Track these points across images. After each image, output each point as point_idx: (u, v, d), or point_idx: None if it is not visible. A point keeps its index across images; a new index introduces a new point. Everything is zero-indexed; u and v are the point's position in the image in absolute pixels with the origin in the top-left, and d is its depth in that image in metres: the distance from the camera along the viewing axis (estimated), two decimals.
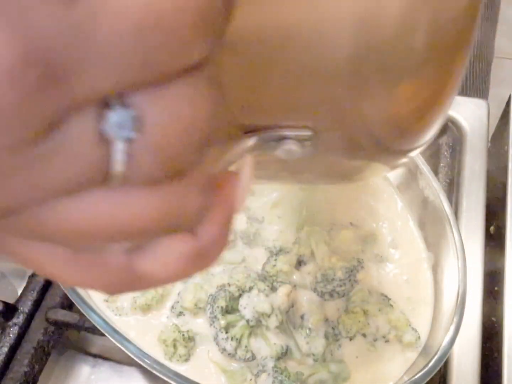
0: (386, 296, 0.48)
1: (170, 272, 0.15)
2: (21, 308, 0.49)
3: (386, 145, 0.26)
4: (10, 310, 0.48)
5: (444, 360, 0.41)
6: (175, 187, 0.14)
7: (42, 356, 0.48)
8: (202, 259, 0.16)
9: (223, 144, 0.15)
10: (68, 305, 0.50)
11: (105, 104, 0.12)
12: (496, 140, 0.66)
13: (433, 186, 0.51)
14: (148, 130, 0.12)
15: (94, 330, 0.47)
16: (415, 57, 0.21)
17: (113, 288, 0.15)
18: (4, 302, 0.48)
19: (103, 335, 0.40)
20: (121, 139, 0.12)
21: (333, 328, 0.46)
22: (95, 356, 0.52)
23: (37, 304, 0.49)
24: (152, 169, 0.13)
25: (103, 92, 0.11)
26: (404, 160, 0.29)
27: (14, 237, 0.14)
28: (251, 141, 0.23)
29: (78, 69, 0.11)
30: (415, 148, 0.27)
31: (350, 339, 0.46)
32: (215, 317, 0.44)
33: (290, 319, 0.45)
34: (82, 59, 0.11)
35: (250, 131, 0.23)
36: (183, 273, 0.16)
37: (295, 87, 0.21)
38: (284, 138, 0.23)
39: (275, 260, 0.47)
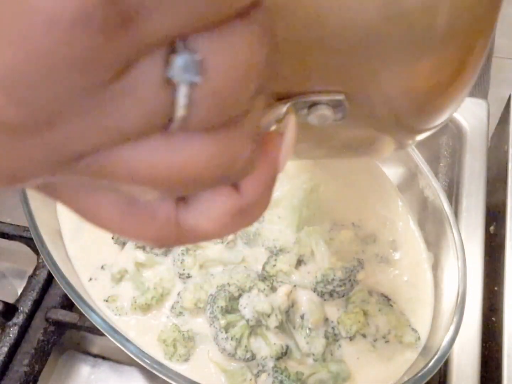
0: (386, 297, 0.48)
1: (214, 227, 0.16)
2: (21, 308, 0.49)
3: (401, 119, 0.27)
4: (10, 310, 0.48)
5: (444, 360, 0.41)
6: (229, 134, 0.14)
7: (42, 356, 0.48)
8: (245, 216, 0.17)
9: (266, 102, 0.16)
10: (68, 305, 0.50)
11: (171, 49, 0.12)
12: (496, 140, 0.66)
13: (433, 186, 0.51)
14: (210, 74, 0.13)
15: (94, 330, 0.47)
16: (436, 34, 0.22)
17: (160, 242, 0.16)
18: (4, 302, 0.48)
19: (103, 335, 0.40)
20: (185, 83, 0.12)
21: (333, 328, 0.46)
22: (95, 356, 0.52)
23: (37, 304, 0.49)
24: (211, 113, 0.13)
25: (170, 34, 0.12)
26: (413, 141, 0.30)
27: (74, 185, 0.15)
28: (284, 108, 0.23)
29: (148, 11, 0.11)
30: (426, 129, 0.28)
31: (350, 339, 0.46)
32: (215, 317, 0.44)
33: (290, 319, 0.45)
34: (151, 1, 0.11)
35: (282, 98, 0.24)
36: (226, 230, 0.17)
37: (327, 53, 0.22)
38: (316, 103, 0.24)
39: (275, 260, 0.47)
